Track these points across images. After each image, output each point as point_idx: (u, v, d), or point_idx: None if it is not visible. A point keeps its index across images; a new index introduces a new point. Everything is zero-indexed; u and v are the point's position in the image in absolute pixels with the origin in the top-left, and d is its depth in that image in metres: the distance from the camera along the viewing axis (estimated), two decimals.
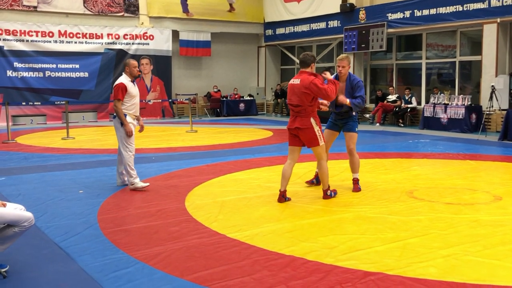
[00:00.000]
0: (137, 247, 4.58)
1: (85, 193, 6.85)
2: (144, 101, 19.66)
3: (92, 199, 6.48)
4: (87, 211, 5.89)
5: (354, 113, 6.87)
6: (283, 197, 6.32)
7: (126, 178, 7.21)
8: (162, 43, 20.31)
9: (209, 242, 4.72)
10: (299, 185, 7.20)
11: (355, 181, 6.93)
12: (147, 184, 7.07)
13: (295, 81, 6.28)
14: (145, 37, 19.98)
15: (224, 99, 21.30)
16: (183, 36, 20.76)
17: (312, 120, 6.24)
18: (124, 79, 6.97)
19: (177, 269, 4.07)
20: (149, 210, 5.88)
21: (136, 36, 19.84)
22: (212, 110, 21.39)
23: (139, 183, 6.99)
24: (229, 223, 5.35)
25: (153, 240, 4.79)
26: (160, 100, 19.95)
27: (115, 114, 6.96)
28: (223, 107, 21.04)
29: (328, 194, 6.46)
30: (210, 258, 4.29)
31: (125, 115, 6.92)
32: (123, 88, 6.86)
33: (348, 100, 6.71)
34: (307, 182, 7.29)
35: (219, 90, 21.56)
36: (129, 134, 6.93)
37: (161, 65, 20.38)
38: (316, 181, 7.19)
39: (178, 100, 20.82)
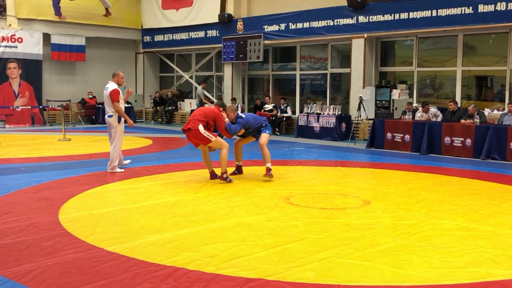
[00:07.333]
0: (6, 265, 4.26)
1: None
2: (11, 107, 18.39)
3: None
4: None
5: (265, 125, 8.45)
6: (214, 176, 8.10)
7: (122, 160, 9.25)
8: (32, 46, 19.18)
9: (86, 256, 4.52)
10: (184, 193, 7.17)
11: (267, 169, 8.30)
12: (123, 170, 8.94)
13: (209, 105, 8.18)
14: (13, 40, 18.74)
15: (100, 105, 20.58)
16: (55, 39, 19.79)
17: (200, 125, 7.75)
18: (115, 85, 8.87)
19: (51, 287, 3.84)
20: (19, 225, 5.50)
21: (3, 39, 18.55)
22: (87, 117, 20.60)
23: (118, 169, 8.90)
24: (107, 235, 5.17)
25: (23, 257, 4.48)
26: (29, 107, 18.77)
27: (110, 114, 8.75)
28: (99, 114, 20.32)
29: (224, 177, 7.99)
30: (87, 273, 4.11)
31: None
32: (118, 93, 8.79)
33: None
34: (230, 174, 8.45)
35: (94, 97, 20.80)
36: (131, 126, 9.23)
37: (31, 69, 19.22)
38: (237, 171, 8.73)
39: (50, 106, 19.75)
